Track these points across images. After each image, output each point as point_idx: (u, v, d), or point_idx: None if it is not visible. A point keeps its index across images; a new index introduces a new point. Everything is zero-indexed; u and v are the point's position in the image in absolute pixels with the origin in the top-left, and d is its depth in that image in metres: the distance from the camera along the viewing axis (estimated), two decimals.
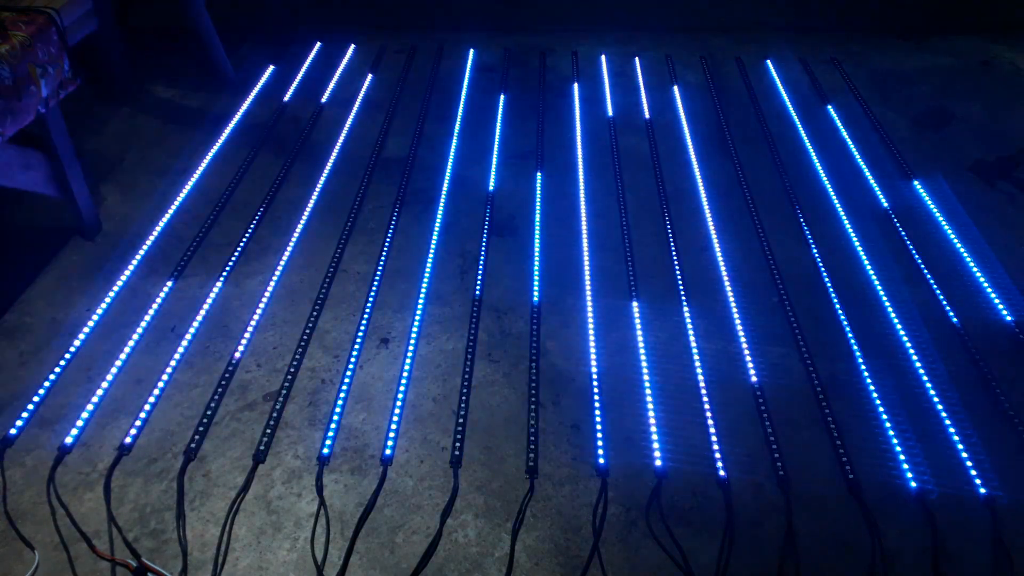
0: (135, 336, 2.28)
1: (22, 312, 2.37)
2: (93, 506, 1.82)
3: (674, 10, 4.34)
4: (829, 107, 3.62)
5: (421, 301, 2.45)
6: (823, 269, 2.61)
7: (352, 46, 4.15)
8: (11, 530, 1.75)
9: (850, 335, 2.34)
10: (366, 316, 2.38)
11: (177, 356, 2.22)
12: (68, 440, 1.96)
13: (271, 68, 3.92)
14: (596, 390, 2.14)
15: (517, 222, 2.82)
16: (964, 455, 1.98)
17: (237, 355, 2.23)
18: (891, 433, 2.04)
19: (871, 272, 2.59)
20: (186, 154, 3.18)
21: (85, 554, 1.72)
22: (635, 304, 2.44)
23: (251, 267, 2.60)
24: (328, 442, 1.98)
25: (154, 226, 2.74)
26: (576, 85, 3.80)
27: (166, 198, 2.90)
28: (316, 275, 2.55)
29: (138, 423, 2.01)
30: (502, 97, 3.66)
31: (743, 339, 2.32)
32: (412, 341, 2.30)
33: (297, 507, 1.84)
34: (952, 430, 2.04)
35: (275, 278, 2.53)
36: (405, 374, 2.19)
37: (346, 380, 2.16)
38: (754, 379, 2.18)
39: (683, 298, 2.47)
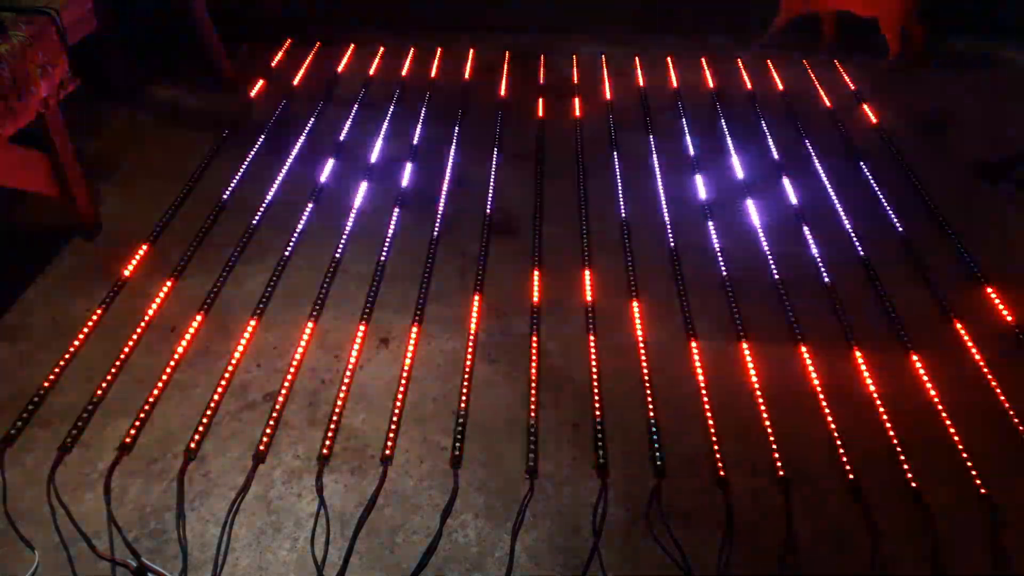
0: (135, 336, 2.28)
1: (22, 312, 2.37)
2: (93, 506, 1.82)
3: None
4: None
5: (421, 301, 2.45)
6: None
7: (352, 46, 4.15)
8: (11, 530, 1.75)
9: None
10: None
11: (177, 356, 2.23)
12: (68, 440, 1.96)
13: (271, 68, 3.91)
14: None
15: None
16: None
17: (237, 355, 2.23)
18: None
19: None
20: (186, 154, 3.17)
21: (85, 554, 1.72)
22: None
23: (251, 267, 2.60)
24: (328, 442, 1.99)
25: (154, 226, 2.74)
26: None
27: (166, 198, 2.89)
28: (316, 275, 2.56)
29: (138, 423, 2.01)
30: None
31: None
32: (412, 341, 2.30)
33: (297, 507, 1.84)
34: None
35: (275, 278, 2.53)
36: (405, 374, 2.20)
37: (346, 380, 2.16)
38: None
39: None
